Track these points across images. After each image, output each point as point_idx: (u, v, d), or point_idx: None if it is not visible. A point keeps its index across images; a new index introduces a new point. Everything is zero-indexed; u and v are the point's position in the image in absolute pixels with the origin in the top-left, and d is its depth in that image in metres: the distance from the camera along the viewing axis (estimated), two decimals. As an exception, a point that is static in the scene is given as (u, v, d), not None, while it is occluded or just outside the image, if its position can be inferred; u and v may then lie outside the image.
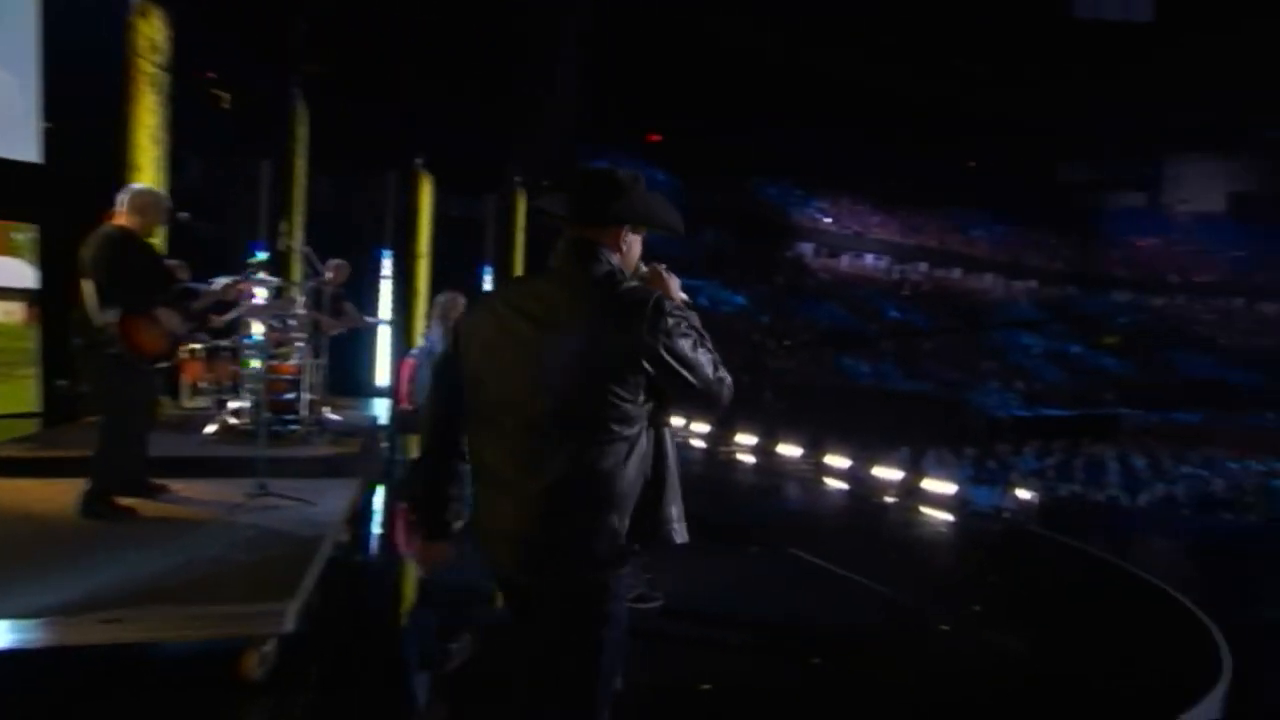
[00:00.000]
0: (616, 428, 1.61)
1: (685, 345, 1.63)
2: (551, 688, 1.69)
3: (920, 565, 5.74)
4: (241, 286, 4.57)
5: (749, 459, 9.27)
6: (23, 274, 6.45)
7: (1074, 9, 31.32)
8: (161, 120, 8.78)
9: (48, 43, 6.86)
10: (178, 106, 8.73)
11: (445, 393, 1.83)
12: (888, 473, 7.95)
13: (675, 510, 1.73)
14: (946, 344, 26.84)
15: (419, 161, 11.13)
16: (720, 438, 9.72)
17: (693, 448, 9.66)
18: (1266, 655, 4.18)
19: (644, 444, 1.67)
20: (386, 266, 11.59)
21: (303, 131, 10.37)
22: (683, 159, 28.21)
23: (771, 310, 24.96)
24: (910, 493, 7.41)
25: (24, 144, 6.67)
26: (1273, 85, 29.26)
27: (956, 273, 34.53)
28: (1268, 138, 34.27)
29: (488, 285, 12.37)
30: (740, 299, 25.34)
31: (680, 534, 1.74)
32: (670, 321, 1.61)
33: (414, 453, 2.71)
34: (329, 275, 6.30)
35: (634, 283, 1.69)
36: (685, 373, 1.63)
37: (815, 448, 8.75)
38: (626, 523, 1.64)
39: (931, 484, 7.50)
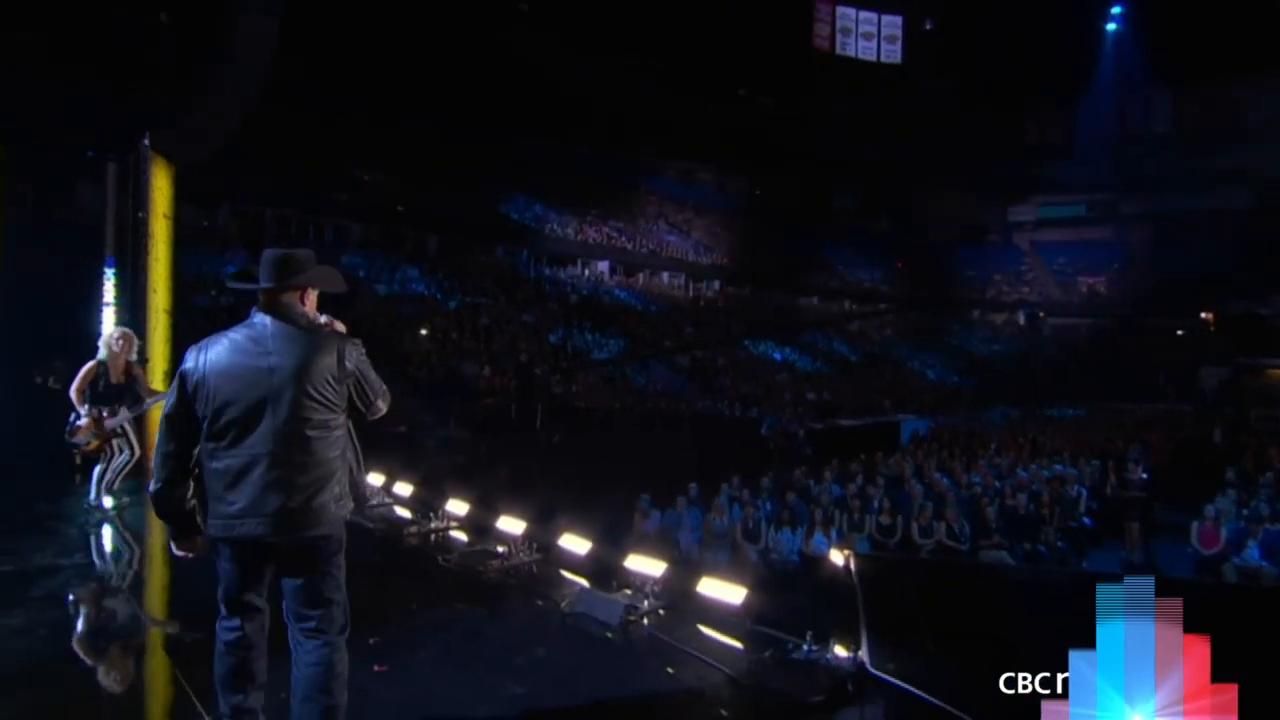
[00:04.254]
0: (331, 423, 2.44)
1: (367, 367, 2.55)
2: (320, 596, 2.47)
3: None
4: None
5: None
6: None
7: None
8: None
9: None
10: None
11: (182, 428, 2.44)
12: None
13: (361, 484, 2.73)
14: (743, 359, 24.95)
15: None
16: (429, 508, 6.23)
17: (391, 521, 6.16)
18: None
19: (345, 437, 2.51)
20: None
21: None
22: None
23: (562, 331, 21.75)
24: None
25: None
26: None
27: (747, 290, 33.28)
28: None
29: (110, 289, 8.14)
30: (529, 318, 21.92)
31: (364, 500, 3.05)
32: (358, 351, 2.54)
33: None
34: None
35: (324, 326, 2.56)
36: (366, 387, 2.53)
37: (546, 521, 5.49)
38: (346, 491, 2.51)
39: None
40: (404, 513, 6.58)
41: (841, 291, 35.88)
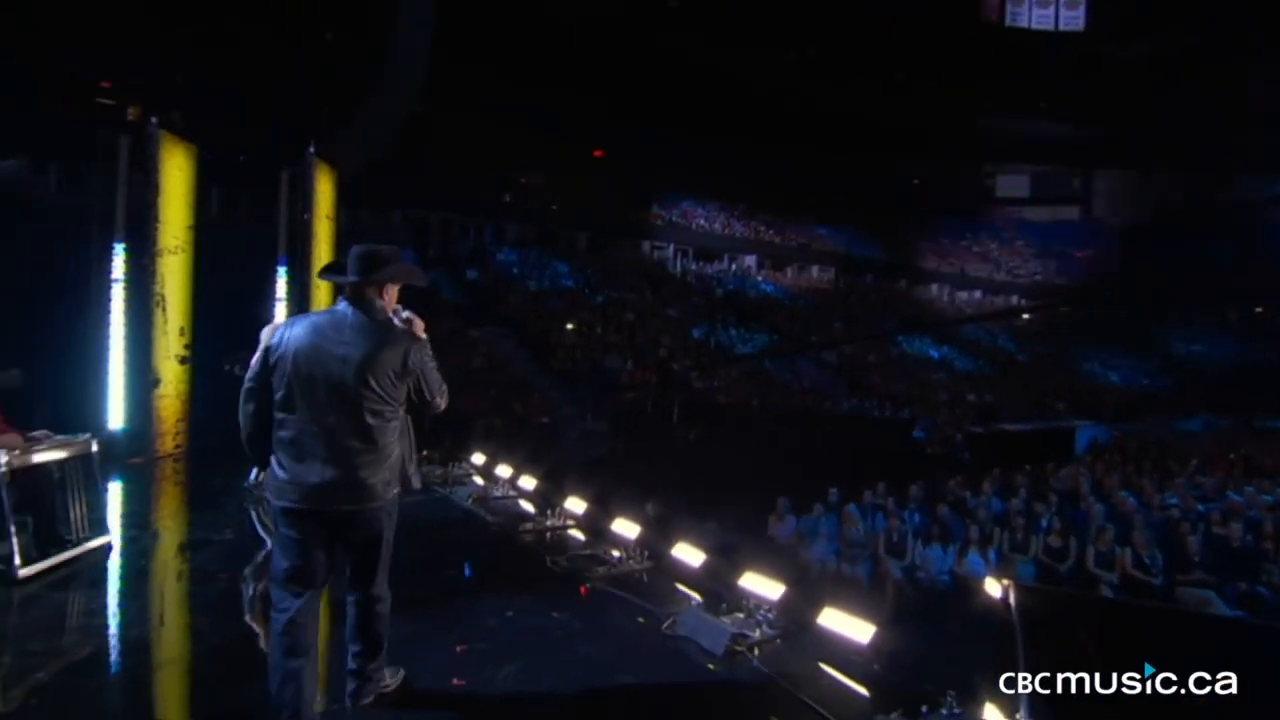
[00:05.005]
0: (388, 413, 2.60)
1: (430, 365, 2.69)
2: (372, 564, 2.70)
3: None
4: None
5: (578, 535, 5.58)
6: None
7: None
8: None
9: None
10: None
11: (259, 396, 2.61)
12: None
13: (414, 467, 2.80)
14: (896, 356, 23.28)
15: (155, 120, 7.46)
16: (550, 504, 6.02)
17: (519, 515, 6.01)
18: None
19: (401, 424, 2.67)
20: (118, 266, 7.83)
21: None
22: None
23: (705, 326, 21.29)
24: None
25: None
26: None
27: (903, 283, 31.13)
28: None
29: (281, 286, 8.67)
30: (673, 312, 21.65)
31: (418, 481, 2.91)
32: (424, 350, 2.67)
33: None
34: None
35: (396, 321, 2.69)
36: (425, 384, 2.68)
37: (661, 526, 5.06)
38: (397, 472, 2.68)
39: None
40: (528, 506, 6.45)
41: (1009, 285, 32.66)
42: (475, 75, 22.33)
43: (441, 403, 2.79)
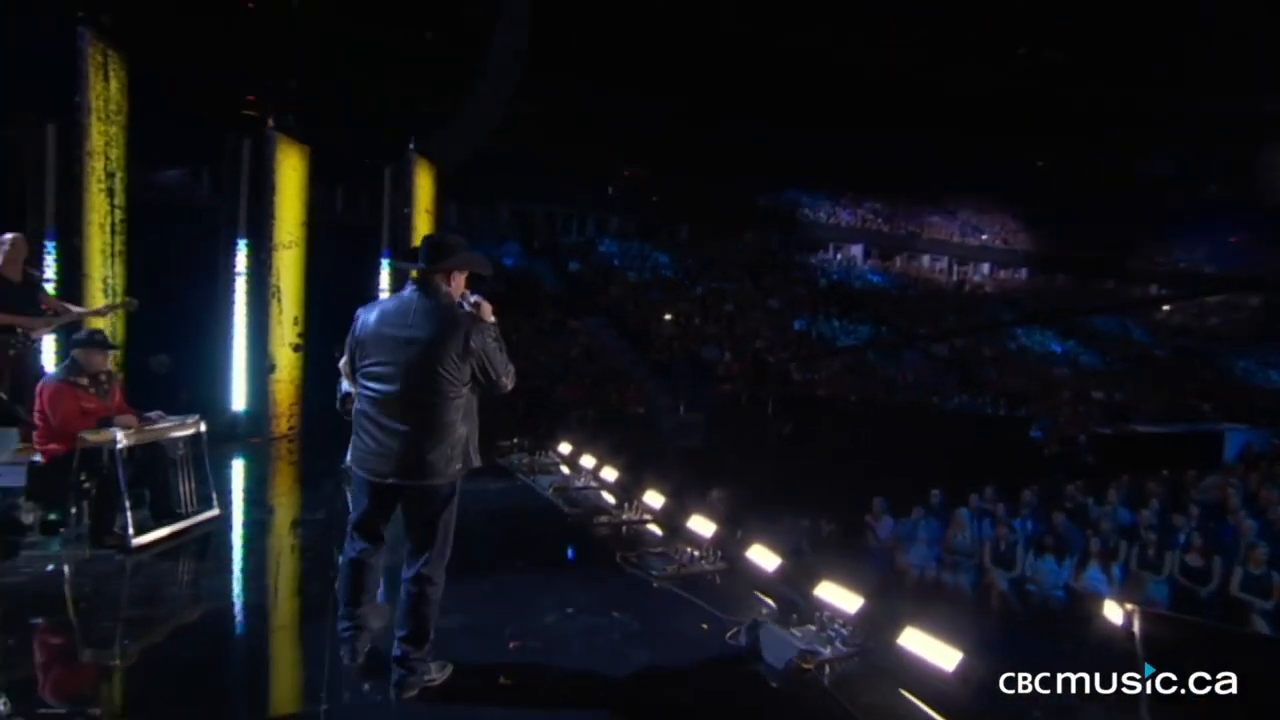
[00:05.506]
0: (451, 393, 2.69)
1: (494, 349, 2.77)
2: (427, 539, 2.77)
3: None
4: None
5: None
6: None
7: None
8: None
9: None
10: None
11: (348, 369, 2.86)
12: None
13: (474, 447, 2.83)
14: (1014, 351, 21.62)
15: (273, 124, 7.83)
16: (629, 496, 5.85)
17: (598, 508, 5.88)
18: None
19: (465, 404, 2.76)
20: (240, 260, 8.31)
21: (105, 88, 7.20)
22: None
23: (807, 317, 20.55)
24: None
25: None
26: None
27: (1023, 273, 28.92)
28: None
29: (385, 277, 8.93)
30: (774, 303, 21.03)
31: (479, 461, 2.87)
32: (490, 335, 2.75)
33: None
34: None
35: (464, 305, 2.80)
36: (490, 367, 2.75)
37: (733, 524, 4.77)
38: (459, 451, 2.76)
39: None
40: (609, 498, 6.33)
41: (1148, 274, 29.64)
42: (578, 68, 22.47)
43: (508, 383, 2.89)
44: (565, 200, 24.56)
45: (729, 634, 3.45)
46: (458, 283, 2.85)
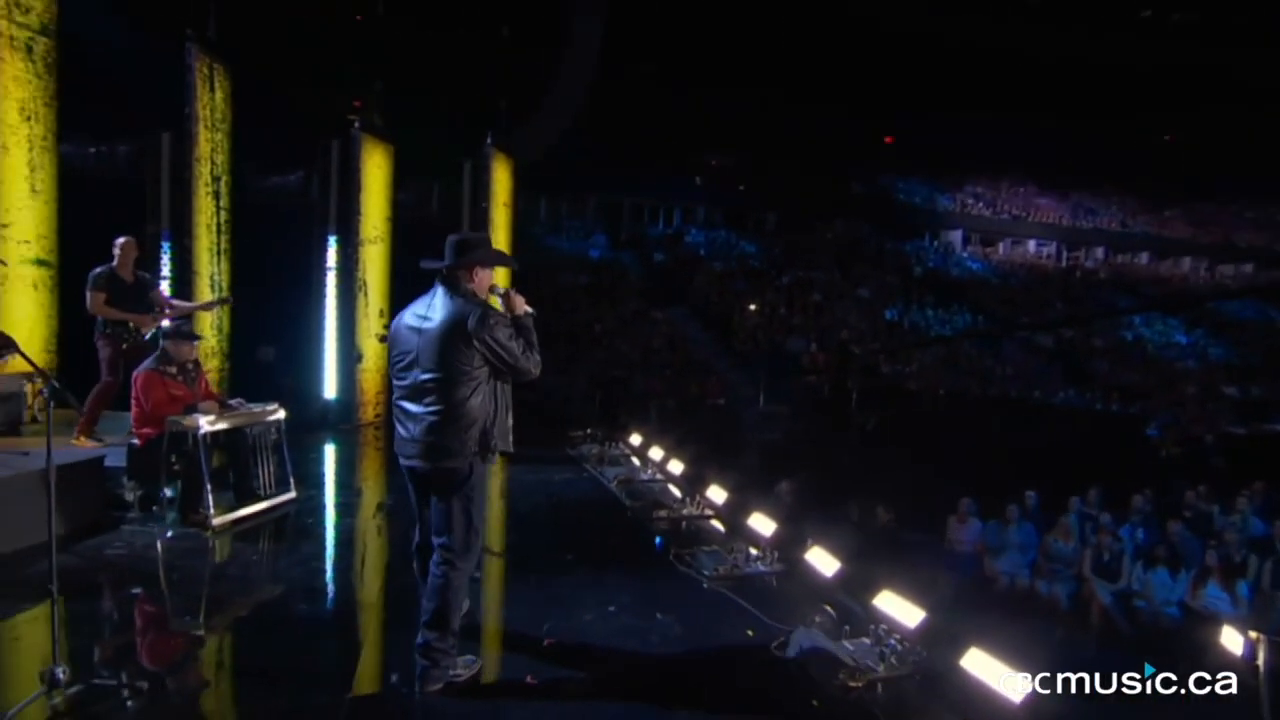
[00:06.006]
0: (462, 379, 2.75)
1: (502, 336, 2.77)
2: (448, 521, 2.82)
3: None
4: None
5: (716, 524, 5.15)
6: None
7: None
8: (38, 92, 6.40)
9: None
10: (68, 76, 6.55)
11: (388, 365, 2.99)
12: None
13: (498, 432, 2.87)
14: (1130, 341, 19.81)
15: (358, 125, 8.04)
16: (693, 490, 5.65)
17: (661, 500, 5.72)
18: None
19: (483, 391, 2.80)
20: (330, 255, 8.62)
21: (211, 98, 7.62)
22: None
23: (901, 305, 19.57)
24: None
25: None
26: None
27: (1143, 257, 26.47)
28: None
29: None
30: (864, 292, 20.15)
31: (507, 446, 2.95)
32: (491, 322, 2.74)
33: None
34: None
35: (483, 299, 2.88)
36: (502, 353, 2.77)
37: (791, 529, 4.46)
38: (474, 435, 2.79)
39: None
40: (675, 491, 6.15)
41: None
42: (666, 58, 22.24)
43: (532, 370, 2.92)
44: (652, 192, 24.44)
45: (775, 643, 3.21)
46: (481, 278, 2.91)
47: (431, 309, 2.82)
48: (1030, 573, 7.21)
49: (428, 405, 2.79)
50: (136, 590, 3.71)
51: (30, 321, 6.40)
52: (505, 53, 8.96)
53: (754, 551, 4.45)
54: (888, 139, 26.98)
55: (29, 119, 6.25)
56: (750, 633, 3.35)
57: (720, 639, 3.31)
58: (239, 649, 3.29)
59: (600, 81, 9.73)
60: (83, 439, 5.42)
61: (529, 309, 3.02)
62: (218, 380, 7.70)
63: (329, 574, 4.35)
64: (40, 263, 6.44)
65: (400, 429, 2.89)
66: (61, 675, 2.57)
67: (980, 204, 26.83)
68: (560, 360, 14.98)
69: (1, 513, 4.11)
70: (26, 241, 6.34)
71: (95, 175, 9.36)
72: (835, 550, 4.12)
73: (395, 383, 2.92)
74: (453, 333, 2.74)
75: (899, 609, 3.36)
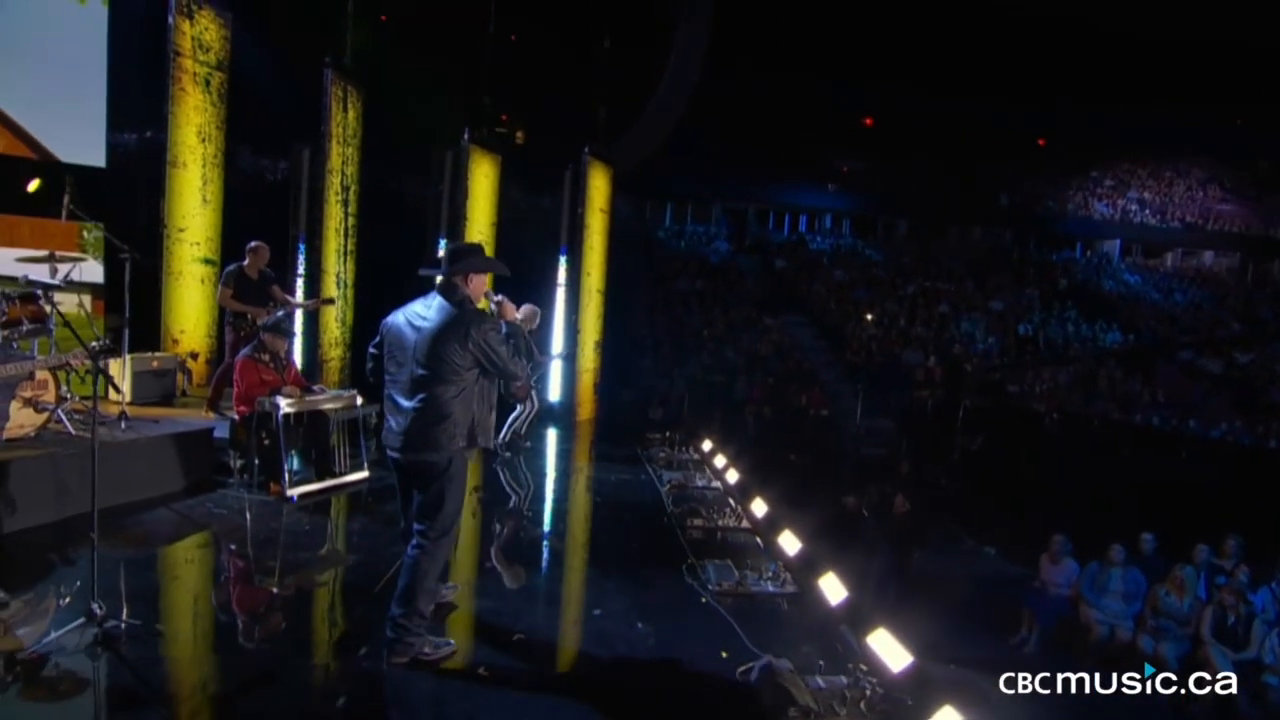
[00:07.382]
0: (451, 377, 2.90)
1: (494, 340, 2.95)
2: (426, 508, 2.98)
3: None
4: None
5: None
6: (92, 270, 6.43)
7: None
8: (212, 118, 7.42)
9: (114, 52, 6.75)
10: (233, 103, 7.59)
11: (377, 361, 3.15)
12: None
13: (480, 429, 3.05)
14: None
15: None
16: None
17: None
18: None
19: (469, 390, 2.96)
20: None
21: (344, 116, 8.34)
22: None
23: (1039, 320, 17.76)
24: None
25: (93, 150, 6.73)
26: None
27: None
28: None
29: (561, 273, 9.29)
30: (997, 305, 18.49)
31: (487, 442, 3.16)
32: (485, 326, 2.94)
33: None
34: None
35: (478, 306, 3.06)
36: (493, 355, 2.94)
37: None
38: (456, 431, 2.94)
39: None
40: (730, 500, 5.94)
41: None
42: (793, 65, 21.60)
43: (516, 372, 3.16)
44: (778, 197, 23.84)
45: (741, 669, 3.01)
46: (476, 284, 3.04)
47: (429, 310, 2.97)
48: (1134, 625, 6.27)
49: (417, 400, 2.93)
50: (199, 544, 4.12)
51: (197, 312, 7.36)
52: (606, 64, 9.08)
53: (766, 570, 4.21)
54: (1040, 141, 24.59)
55: (204, 140, 7.18)
56: (724, 654, 3.16)
57: (689, 658, 3.15)
58: (273, 608, 3.52)
59: (712, 85, 9.60)
60: (209, 412, 6.14)
61: (518, 316, 3.17)
62: (338, 368, 8.40)
63: (373, 550, 4.59)
64: (207, 261, 7.38)
65: (390, 420, 3.04)
66: (98, 610, 2.91)
67: (1146, 211, 23.76)
68: (665, 363, 14.99)
69: (124, 469, 4.74)
70: (197, 244, 7.27)
71: (253, 186, 10.58)
72: (846, 579, 3.80)
73: (387, 376, 3.08)
74: (448, 334, 2.88)
75: (889, 651, 3.04)
